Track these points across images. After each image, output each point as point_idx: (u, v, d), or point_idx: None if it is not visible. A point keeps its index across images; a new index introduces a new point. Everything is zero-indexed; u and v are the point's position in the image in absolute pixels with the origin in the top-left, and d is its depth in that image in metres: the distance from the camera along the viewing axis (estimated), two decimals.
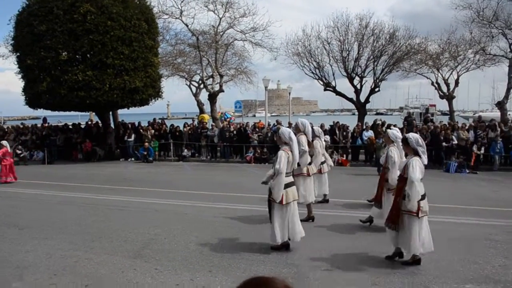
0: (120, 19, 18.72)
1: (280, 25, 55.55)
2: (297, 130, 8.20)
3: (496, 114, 27.59)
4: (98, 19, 18.26)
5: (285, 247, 6.40)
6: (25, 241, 7.14)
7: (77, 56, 19.00)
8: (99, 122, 23.28)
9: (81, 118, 36.40)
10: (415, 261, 5.77)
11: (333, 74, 25.83)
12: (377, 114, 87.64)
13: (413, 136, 5.95)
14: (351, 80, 25.16)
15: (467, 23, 24.36)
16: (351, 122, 23.47)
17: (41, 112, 24.58)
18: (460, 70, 28.06)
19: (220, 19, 25.52)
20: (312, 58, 25.60)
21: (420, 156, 5.77)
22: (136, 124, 22.64)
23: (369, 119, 23.01)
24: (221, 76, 26.81)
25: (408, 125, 19.92)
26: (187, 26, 25.68)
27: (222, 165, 18.98)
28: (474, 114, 46.93)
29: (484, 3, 23.12)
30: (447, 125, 19.48)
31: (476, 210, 9.38)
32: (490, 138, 17.24)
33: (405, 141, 6.02)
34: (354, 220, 8.20)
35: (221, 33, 26.34)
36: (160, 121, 24.13)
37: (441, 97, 29.58)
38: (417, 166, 5.62)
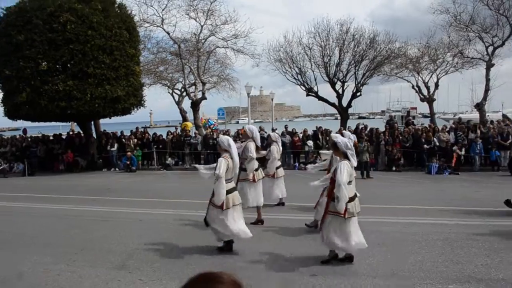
0: (100, 28, 18.60)
1: (262, 32, 55.82)
2: (245, 136, 8.45)
3: (475, 115, 28.07)
4: (78, 28, 18.11)
5: (229, 248, 6.63)
6: (4, 255, 6.99)
7: (57, 66, 18.78)
8: (81, 132, 23.03)
9: (62, 128, 35.89)
10: (333, 257, 6.06)
11: (315, 80, 26.10)
12: (360, 118, 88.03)
13: (342, 140, 6.14)
14: (333, 85, 25.39)
15: (445, 27, 24.90)
16: (334, 126, 23.64)
17: (21, 123, 24.22)
18: (439, 73, 28.56)
19: (202, 26, 25.53)
20: (294, 64, 25.82)
21: (349, 159, 5.93)
22: (119, 133, 22.43)
23: (351, 123, 23.20)
24: (204, 84, 26.77)
25: (390, 128, 20.14)
26: (168, 34, 25.62)
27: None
28: (454, 116, 47.68)
29: (460, 8, 23.68)
30: (428, 128, 19.76)
31: (459, 210, 9.50)
32: (470, 139, 17.54)
33: (334, 145, 6.23)
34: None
35: (202, 41, 26.33)
36: (142, 129, 23.98)
37: (422, 100, 30.03)
38: (345, 170, 5.75)
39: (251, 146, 8.12)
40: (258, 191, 8.63)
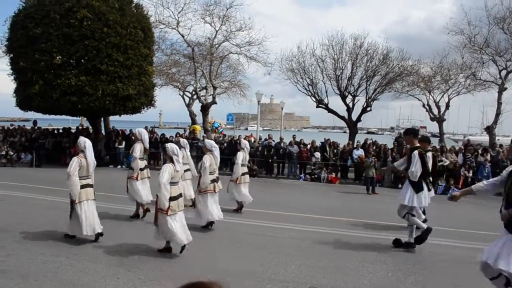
0: (116, 27, 18.75)
1: (276, 41, 56.00)
2: (135, 138, 9.40)
3: (485, 138, 27.90)
4: (94, 25, 18.27)
5: (168, 250, 6.89)
6: (6, 244, 7.02)
7: (71, 61, 18.93)
8: (90, 127, 23.13)
9: (72, 122, 36.13)
10: (166, 248, 6.84)
11: (326, 92, 26.08)
12: (368, 133, 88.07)
13: (171, 145, 6.98)
14: (343, 98, 25.37)
15: (459, 48, 24.76)
16: (342, 139, 23.59)
17: (32, 115, 24.40)
18: (451, 94, 28.40)
19: (217, 31, 25.66)
20: (305, 75, 25.85)
21: (174, 163, 6.74)
22: (128, 131, 22.52)
23: (360, 138, 23.15)
24: (215, 88, 26.86)
25: (398, 145, 20.05)
26: (183, 36, 25.78)
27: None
28: (464, 137, 47.39)
29: (475, 30, 23.58)
30: (436, 148, 19.64)
31: (461, 232, 9.42)
32: (479, 161, 17.40)
33: (164, 149, 7.15)
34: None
35: (216, 46, 26.46)
36: (151, 129, 24.06)
37: (432, 119, 29.86)
38: (166, 171, 6.53)
39: (137, 147, 9.11)
40: (146, 188, 9.47)
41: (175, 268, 6.14)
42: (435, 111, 29.20)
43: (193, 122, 28.45)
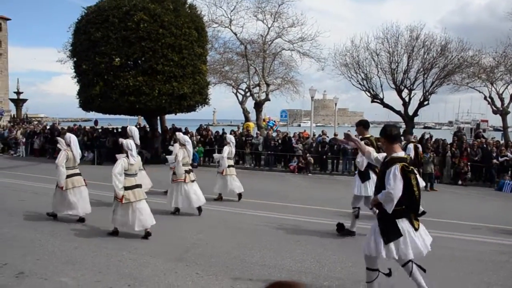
0: (171, 27, 19.22)
1: (329, 36, 55.42)
2: (127, 135, 10.16)
3: None
4: (150, 27, 18.83)
5: (115, 233, 7.68)
6: (73, 238, 7.42)
7: (129, 62, 19.64)
8: (147, 126, 23.87)
9: (130, 122, 37.47)
10: (113, 232, 7.62)
11: (381, 86, 25.51)
12: (425, 127, 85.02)
13: (126, 141, 7.68)
14: (399, 92, 24.68)
15: None
16: None
17: (93, 115, 25.54)
18: None
19: (269, 28, 25.76)
20: (360, 69, 25.37)
21: (128, 157, 7.49)
22: (183, 129, 23.04)
23: (417, 133, 22.41)
24: (268, 85, 26.95)
25: (458, 140, 19.25)
26: (235, 35, 26.08)
27: (266, 173, 18.99)
28: None
29: None
30: (500, 142, 18.69)
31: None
32: None
33: (121, 146, 7.74)
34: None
35: (269, 43, 26.54)
36: (205, 127, 24.50)
37: (494, 112, 28.40)
38: (119, 164, 7.34)
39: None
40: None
41: (232, 265, 6.23)
42: (498, 103, 27.76)
43: (247, 119, 28.69)
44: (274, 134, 22.00)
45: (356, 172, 8.02)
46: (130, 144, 7.66)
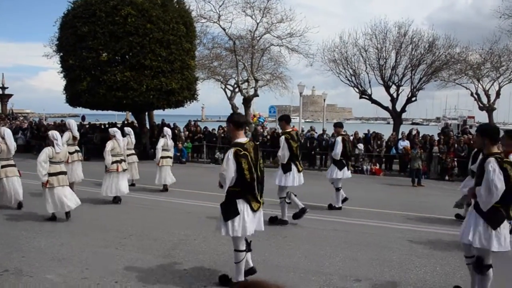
0: (159, 22, 19.08)
1: (317, 31, 55.54)
2: (66, 128, 10.92)
3: None
4: (138, 21, 18.66)
5: (54, 218, 8.38)
6: (60, 234, 7.35)
7: (117, 57, 19.44)
8: (135, 122, 23.72)
9: (117, 117, 37.20)
10: (52, 218, 8.35)
11: (369, 82, 25.61)
12: (413, 124, 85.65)
13: (51, 132, 8.41)
14: (387, 88, 24.81)
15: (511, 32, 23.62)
16: (385, 131, 23.08)
17: (80, 111, 25.28)
18: (502, 81, 27.19)
19: (257, 24, 25.67)
20: (348, 65, 25.44)
21: (54, 146, 8.20)
22: (172, 125, 22.94)
23: (404, 129, 22.58)
24: (256, 81, 26.92)
25: (445, 136, 19.42)
26: (224, 30, 25.94)
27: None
28: None
29: None
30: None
31: None
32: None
33: (47, 136, 8.57)
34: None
35: (257, 38, 26.47)
36: (193, 123, 24.42)
37: (481, 108, 28.71)
38: (44, 153, 8.10)
39: (65, 135, 10.49)
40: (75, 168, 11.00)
41: (220, 261, 6.22)
42: (485, 100, 28.07)
43: None
44: (257, 128, 21.94)
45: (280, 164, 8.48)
46: (56, 134, 8.40)
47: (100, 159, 11.71)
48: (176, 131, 21.94)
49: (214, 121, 66.58)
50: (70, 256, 6.23)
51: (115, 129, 10.87)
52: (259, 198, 5.18)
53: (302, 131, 23.15)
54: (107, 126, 24.74)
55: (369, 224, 8.79)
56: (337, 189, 10.15)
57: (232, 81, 30.75)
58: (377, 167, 18.48)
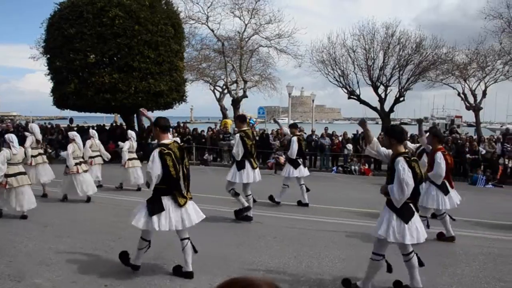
0: (147, 24, 19.02)
1: (306, 32, 55.58)
2: (28, 132, 11.26)
3: None
4: (126, 23, 18.59)
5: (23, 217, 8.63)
6: (48, 239, 7.27)
7: (104, 59, 19.35)
8: (123, 124, 23.59)
9: (106, 119, 36.96)
10: (23, 216, 8.60)
11: (358, 83, 25.77)
12: (401, 123, 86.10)
13: (7, 136, 8.70)
14: (375, 88, 24.97)
15: (496, 33, 23.93)
16: (375, 131, 23.17)
17: (68, 113, 25.09)
18: (488, 81, 27.46)
19: (246, 25, 25.74)
20: (336, 66, 25.55)
21: (10, 148, 8.43)
22: None
23: None
24: (245, 82, 26.94)
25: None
26: (213, 31, 25.97)
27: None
28: (501, 126, 45.91)
29: None
30: (473, 137, 19.10)
31: (503, 225, 9.13)
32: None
33: (3, 140, 8.84)
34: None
35: (246, 39, 26.51)
36: (182, 124, 24.35)
37: (468, 108, 28.98)
38: (2, 155, 8.20)
39: (29, 139, 10.73)
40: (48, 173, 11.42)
41: (210, 262, 6.20)
42: (471, 99, 28.34)
43: (224, 116, 28.62)
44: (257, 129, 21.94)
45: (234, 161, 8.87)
46: (12, 137, 8.67)
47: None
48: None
49: (203, 123, 66.38)
50: (58, 260, 6.17)
51: (74, 133, 11.20)
52: (185, 194, 5.53)
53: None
54: (95, 128, 24.58)
55: (357, 223, 8.84)
56: (283, 185, 10.63)
57: (221, 83, 30.77)
58: (366, 167, 18.58)
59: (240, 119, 9.04)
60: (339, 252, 6.78)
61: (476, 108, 28.27)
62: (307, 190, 10.58)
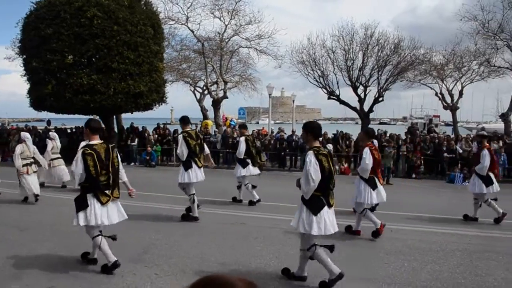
0: (126, 24, 18.82)
1: (286, 33, 55.86)
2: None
3: (500, 126, 27.54)
4: (104, 23, 18.36)
5: None
6: (24, 243, 7.13)
7: (83, 60, 19.06)
8: (103, 125, 23.30)
9: (84, 121, 36.42)
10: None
11: (337, 83, 25.93)
12: (381, 123, 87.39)
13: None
14: (355, 89, 25.20)
15: (472, 34, 24.45)
16: (355, 131, 23.45)
17: (45, 115, 24.68)
18: (464, 81, 28.06)
19: (226, 26, 25.68)
20: (316, 67, 25.69)
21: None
22: (140, 128, 22.65)
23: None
24: (226, 83, 26.90)
25: (411, 135, 19.89)
26: (192, 32, 25.84)
27: (224, 171, 18.93)
28: (477, 125, 46.86)
29: (489, 15, 23.24)
30: (450, 136, 19.46)
31: (479, 221, 9.32)
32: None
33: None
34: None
35: (226, 40, 26.47)
36: (162, 126, 24.18)
37: (445, 108, 29.54)
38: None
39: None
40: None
41: (192, 264, 6.18)
42: (448, 99, 28.89)
43: (205, 117, 28.53)
44: (228, 130, 21.92)
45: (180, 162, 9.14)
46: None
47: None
48: (146, 134, 21.70)
49: None
50: (35, 264, 6.06)
51: (26, 134, 11.44)
52: (109, 193, 5.76)
53: (272, 132, 23.25)
54: (74, 130, 24.24)
55: (337, 223, 8.89)
56: (239, 186, 10.97)
57: (201, 83, 30.66)
58: (346, 166, 18.74)
59: (183, 121, 9.26)
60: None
61: (453, 108, 28.82)
62: (253, 187, 10.79)
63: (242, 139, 10.77)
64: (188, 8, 25.04)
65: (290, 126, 26.93)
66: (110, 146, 5.91)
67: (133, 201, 10.93)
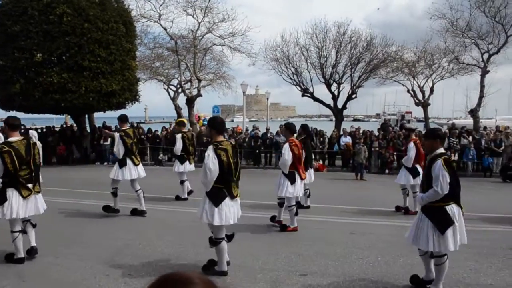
0: (97, 22, 18.48)
1: (259, 31, 55.83)
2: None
3: (469, 121, 28.25)
4: (74, 21, 17.97)
5: None
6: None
7: (53, 58, 18.62)
8: (74, 125, 22.87)
9: (55, 121, 35.67)
10: None
11: (311, 80, 26.12)
12: (354, 120, 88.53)
13: (32, 132, 8.45)
14: (328, 86, 25.42)
15: (441, 32, 25.00)
16: (329, 128, 23.67)
17: (14, 114, 24.01)
18: (435, 78, 28.59)
19: (199, 23, 25.47)
20: (290, 64, 25.82)
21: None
22: (113, 127, 22.28)
23: (346, 125, 23.23)
24: (199, 81, 26.71)
25: (384, 131, 20.20)
26: (165, 30, 25.55)
27: (199, 169, 18.83)
28: (448, 121, 47.91)
29: (457, 14, 23.82)
30: (422, 132, 19.80)
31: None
32: (463, 145, 17.61)
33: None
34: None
35: (199, 38, 26.27)
36: (136, 125, 23.88)
37: (417, 104, 30.06)
38: None
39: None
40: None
41: (167, 264, 6.13)
42: (420, 96, 29.41)
43: (179, 115, 28.27)
44: (201, 128, 21.83)
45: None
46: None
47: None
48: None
49: (158, 122, 65.36)
50: (5, 268, 5.90)
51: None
52: (31, 187, 6.00)
53: (247, 130, 23.25)
54: (44, 130, 23.70)
55: (313, 219, 8.98)
56: (181, 182, 11.25)
57: (175, 82, 30.35)
58: (320, 162, 18.89)
59: (121, 120, 9.63)
60: (295, 248, 6.86)
61: (424, 104, 29.37)
62: (190, 191, 11.23)
63: (179, 136, 11.08)
64: (161, 5, 24.75)
65: (265, 124, 27.00)
66: (31, 142, 6.12)
67: (106, 201, 10.80)
